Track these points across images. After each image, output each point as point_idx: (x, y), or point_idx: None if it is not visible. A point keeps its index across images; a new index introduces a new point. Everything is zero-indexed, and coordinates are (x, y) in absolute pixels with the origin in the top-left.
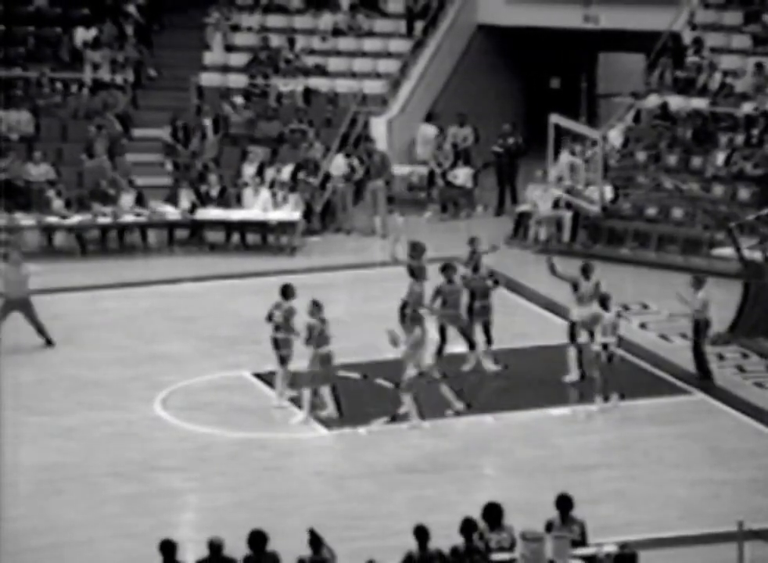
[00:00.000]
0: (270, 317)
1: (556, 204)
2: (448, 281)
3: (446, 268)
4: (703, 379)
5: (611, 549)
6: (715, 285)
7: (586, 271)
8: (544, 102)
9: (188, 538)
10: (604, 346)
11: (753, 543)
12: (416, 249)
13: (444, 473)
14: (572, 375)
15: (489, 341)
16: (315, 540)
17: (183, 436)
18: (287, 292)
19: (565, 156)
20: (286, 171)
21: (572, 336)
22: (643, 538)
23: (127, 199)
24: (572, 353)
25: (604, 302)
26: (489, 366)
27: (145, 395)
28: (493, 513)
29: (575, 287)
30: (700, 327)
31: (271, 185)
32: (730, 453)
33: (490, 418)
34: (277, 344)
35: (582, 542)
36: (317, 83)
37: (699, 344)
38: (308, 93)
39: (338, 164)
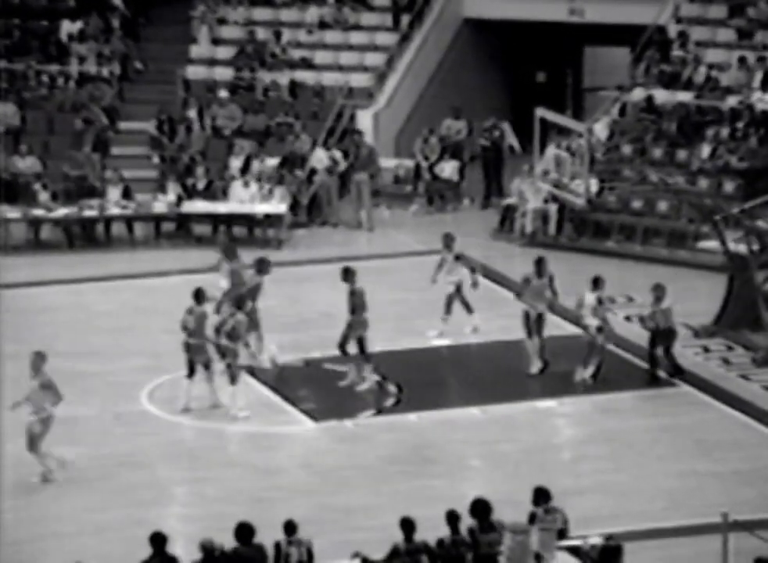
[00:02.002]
0: (185, 326)
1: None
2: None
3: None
4: (677, 375)
5: (596, 541)
6: (700, 278)
7: (539, 266)
8: (530, 96)
9: (175, 531)
10: (599, 329)
11: (738, 534)
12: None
13: (431, 465)
14: (535, 367)
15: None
16: (290, 526)
17: (169, 429)
18: (199, 296)
19: (551, 150)
20: (271, 163)
21: (531, 330)
22: (628, 529)
23: (114, 192)
24: (530, 345)
25: (596, 283)
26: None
27: (132, 388)
28: (481, 508)
29: (527, 282)
30: (662, 335)
31: (258, 179)
32: (715, 444)
33: (476, 411)
34: (189, 349)
35: (565, 530)
36: (304, 76)
37: (668, 349)
38: (294, 86)
39: (319, 157)
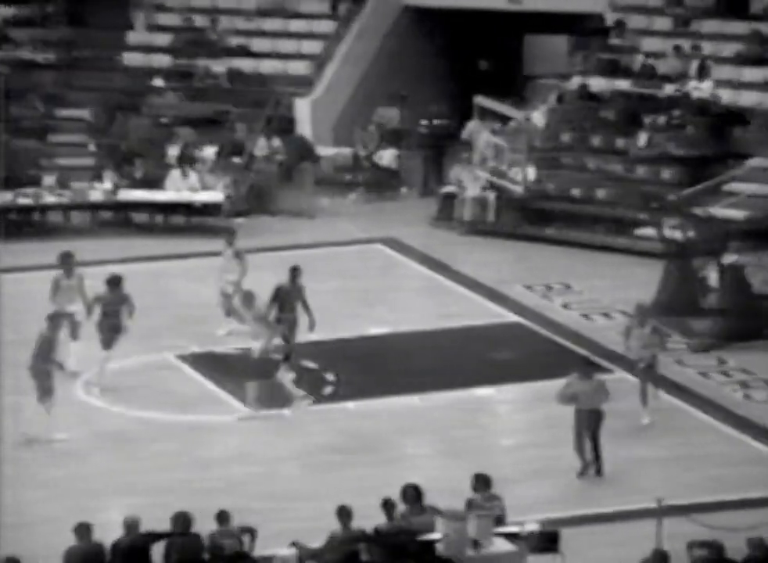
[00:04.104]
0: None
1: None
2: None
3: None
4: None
5: (533, 527)
6: (639, 265)
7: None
8: (474, 84)
9: (114, 522)
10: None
11: (674, 518)
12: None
13: (371, 454)
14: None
15: None
16: (223, 515)
17: (106, 419)
18: (52, 319)
19: (484, 136)
20: (209, 152)
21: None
22: (567, 515)
23: (50, 179)
24: (288, 376)
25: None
26: None
27: (70, 377)
28: (411, 494)
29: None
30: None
31: (190, 164)
32: (653, 430)
33: (417, 399)
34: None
35: (503, 517)
36: (242, 64)
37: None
38: (233, 74)
39: (261, 145)
